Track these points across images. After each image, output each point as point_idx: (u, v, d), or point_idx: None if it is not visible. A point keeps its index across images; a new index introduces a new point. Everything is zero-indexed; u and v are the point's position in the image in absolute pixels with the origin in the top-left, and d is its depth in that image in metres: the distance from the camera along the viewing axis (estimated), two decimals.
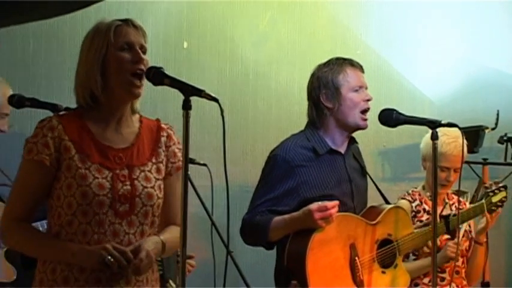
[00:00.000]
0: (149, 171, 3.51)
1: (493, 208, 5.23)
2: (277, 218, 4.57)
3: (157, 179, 3.52)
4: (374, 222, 4.77)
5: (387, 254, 4.79)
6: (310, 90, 4.86)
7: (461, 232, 5.29)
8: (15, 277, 4.73)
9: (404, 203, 5.26)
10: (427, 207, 5.25)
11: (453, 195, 5.30)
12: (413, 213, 5.23)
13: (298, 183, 4.67)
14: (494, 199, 5.23)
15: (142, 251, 3.37)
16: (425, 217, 5.20)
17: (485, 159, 6.30)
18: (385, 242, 4.79)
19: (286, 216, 4.57)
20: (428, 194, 5.30)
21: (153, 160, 3.54)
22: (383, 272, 4.78)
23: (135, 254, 3.35)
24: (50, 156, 3.39)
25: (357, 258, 4.67)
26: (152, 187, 3.49)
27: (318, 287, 4.52)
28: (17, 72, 5.41)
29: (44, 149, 3.39)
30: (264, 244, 4.69)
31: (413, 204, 5.28)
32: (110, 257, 3.30)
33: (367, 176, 5.01)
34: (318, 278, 4.54)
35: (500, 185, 5.33)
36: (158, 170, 3.54)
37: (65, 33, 5.61)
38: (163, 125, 3.63)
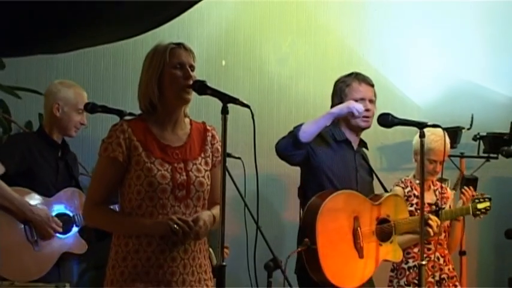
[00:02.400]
0: (199, 164, 3.52)
1: (477, 213, 5.26)
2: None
3: (206, 170, 3.53)
4: (376, 203, 4.73)
5: (385, 230, 4.74)
6: (331, 95, 4.88)
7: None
8: (86, 249, 4.75)
9: (398, 189, 5.24)
10: (416, 193, 5.21)
11: (437, 182, 5.27)
12: (406, 197, 5.19)
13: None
14: (480, 206, 5.25)
15: (200, 220, 3.40)
16: (415, 201, 5.17)
17: (462, 153, 6.25)
18: (383, 221, 4.75)
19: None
20: (417, 181, 5.25)
21: (202, 155, 3.55)
22: (380, 244, 4.73)
23: (195, 222, 3.39)
24: (123, 154, 3.41)
25: (359, 228, 4.62)
26: (203, 177, 3.50)
27: (325, 246, 4.50)
28: (90, 84, 5.40)
29: (118, 147, 3.41)
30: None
31: (406, 190, 5.24)
32: (175, 226, 3.34)
33: (373, 175, 4.99)
34: (325, 238, 4.51)
35: (486, 196, 5.32)
36: (206, 163, 3.55)
37: (128, 53, 5.61)
38: (208, 127, 3.63)
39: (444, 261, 5.27)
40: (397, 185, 5.28)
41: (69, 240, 4.68)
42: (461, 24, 6.73)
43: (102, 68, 5.65)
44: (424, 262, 4.20)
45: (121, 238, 3.44)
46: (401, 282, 5.16)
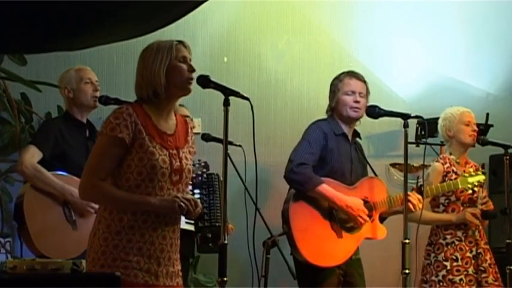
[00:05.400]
0: (186, 152, 3.51)
1: (469, 186, 4.96)
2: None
3: (190, 159, 3.53)
4: (352, 187, 4.70)
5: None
6: (329, 93, 4.89)
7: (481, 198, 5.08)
8: None
9: (438, 165, 5.12)
10: (454, 169, 5.09)
11: (474, 163, 5.16)
12: (445, 173, 5.06)
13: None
14: (471, 179, 4.98)
15: (198, 202, 3.41)
16: (454, 177, 5.02)
17: (442, 142, 6.25)
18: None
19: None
20: (453, 157, 5.15)
21: (187, 145, 3.53)
22: None
23: (195, 203, 3.39)
24: (129, 136, 3.35)
25: (334, 211, 4.61)
26: (189, 164, 3.50)
27: (299, 230, 4.51)
28: (104, 78, 5.41)
29: (125, 129, 3.35)
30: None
31: (445, 166, 5.09)
32: (182, 204, 3.33)
33: (367, 166, 4.96)
34: (299, 223, 4.53)
35: (480, 170, 5.14)
36: (190, 152, 3.54)
37: (138, 50, 5.55)
38: (187, 120, 3.62)
39: (480, 235, 5.10)
40: (436, 161, 5.15)
41: None
42: (443, 24, 6.73)
43: (115, 63, 5.67)
44: (407, 241, 4.15)
45: (114, 213, 3.36)
46: (439, 258, 5.02)
